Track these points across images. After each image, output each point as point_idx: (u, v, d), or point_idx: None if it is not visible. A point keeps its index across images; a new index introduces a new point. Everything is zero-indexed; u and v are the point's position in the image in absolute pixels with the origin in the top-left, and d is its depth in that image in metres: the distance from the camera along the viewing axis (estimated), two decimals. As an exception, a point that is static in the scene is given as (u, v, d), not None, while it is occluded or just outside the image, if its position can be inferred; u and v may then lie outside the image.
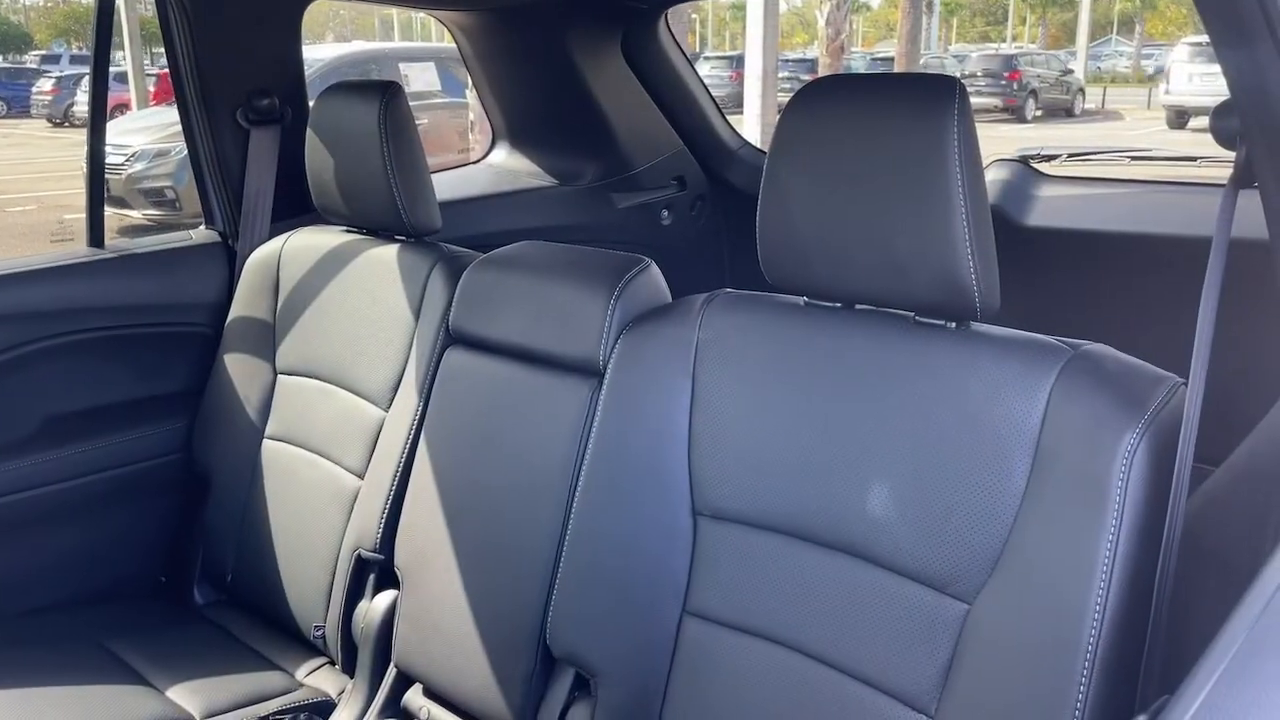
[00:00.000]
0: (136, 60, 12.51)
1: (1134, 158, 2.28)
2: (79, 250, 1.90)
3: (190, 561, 1.89)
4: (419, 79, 8.94)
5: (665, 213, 2.60)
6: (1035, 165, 2.30)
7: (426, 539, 1.49)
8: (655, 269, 1.43)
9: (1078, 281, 2.09)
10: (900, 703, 1.02)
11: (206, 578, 1.87)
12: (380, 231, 1.77)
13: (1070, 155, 2.31)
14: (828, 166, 1.09)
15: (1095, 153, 2.34)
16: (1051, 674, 0.92)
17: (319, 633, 1.65)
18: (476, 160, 2.68)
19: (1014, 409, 1.00)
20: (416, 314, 1.62)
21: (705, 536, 1.21)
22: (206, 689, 1.54)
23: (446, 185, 2.29)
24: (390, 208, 1.65)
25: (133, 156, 8.14)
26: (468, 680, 1.40)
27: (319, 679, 1.62)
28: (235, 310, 1.90)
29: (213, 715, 1.49)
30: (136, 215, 8.16)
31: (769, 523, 1.16)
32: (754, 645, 1.14)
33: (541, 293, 1.45)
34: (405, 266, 1.66)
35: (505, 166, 2.58)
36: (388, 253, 1.70)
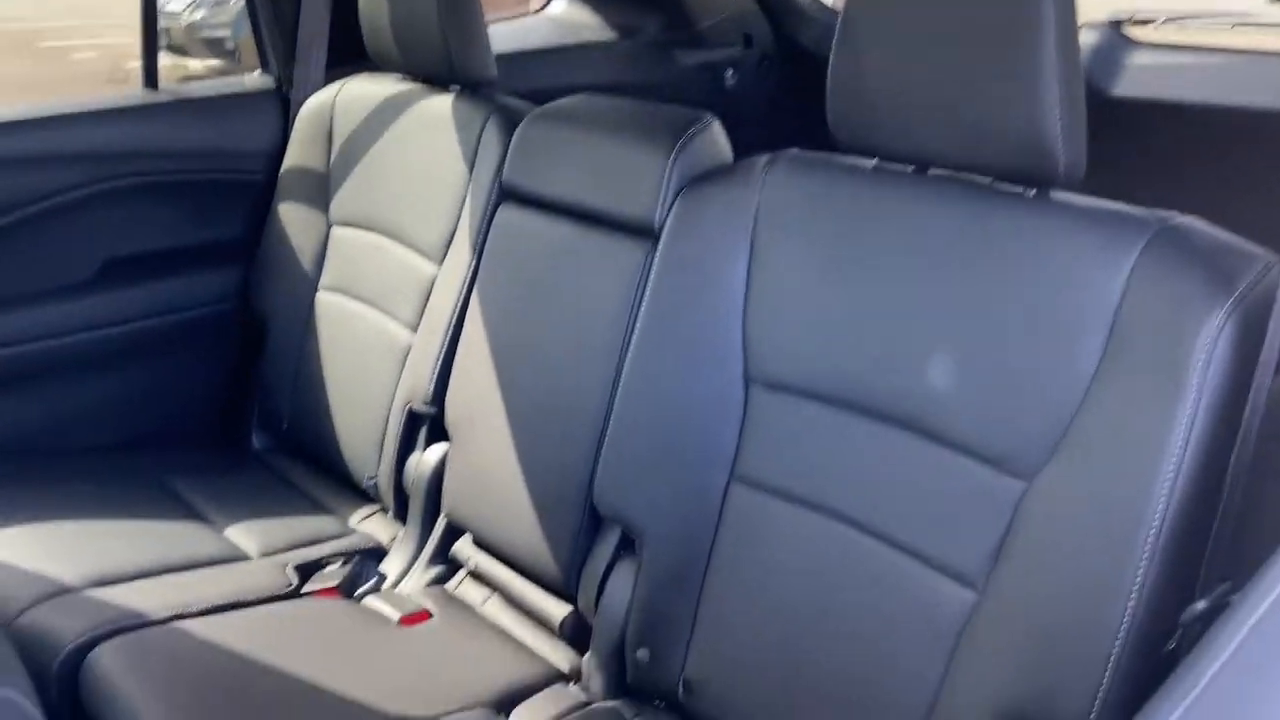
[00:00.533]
0: (194, -98, 12.20)
1: (1239, 24, 2.11)
2: (134, 92, 1.88)
3: (247, 408, 1.92)
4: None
5: (730, 73, 2.49)
6: (1127, 31, 2.15)
7: (476, 395, 1.49)
8: (718, 127, 1.37)
9: (1170, 156, 1.96)
10: (948, 577, 1.01)
11: (263, 425, 1.91)
12: (434, 80, 1.71)
13: (1167, 19, 2.15)
14: (908, 16, 1.02)
15: (1195, 17, 2.17)
16: (1109, 556, 0.89)
17: (371, 482, 1.68)
18: (535, 11, 2.58)
19: (1092, 282, 0.94)
20: (470, 167, 1.58)
21: (757, 405, 1.19)
22: (263, 529, 1.59)
23: (503, 37, 2.20)
24: (442, 53, 1.59)
25: (192, 4, 8.04)
26: (515, 534, 1.42)
27: (371, 526, 1.66)
28: (289, 159, 1.87)
29: (268, 554, 1.54)
30: (196, 65, 8.10)
31: (824, 393, 1.13)
32: (801, 514, 1.13)
33: (598, 148, 1.41)
34: (459, 118, 1.61)
35: (565, 19, 2.48)
36: (441, 103, 1.65)
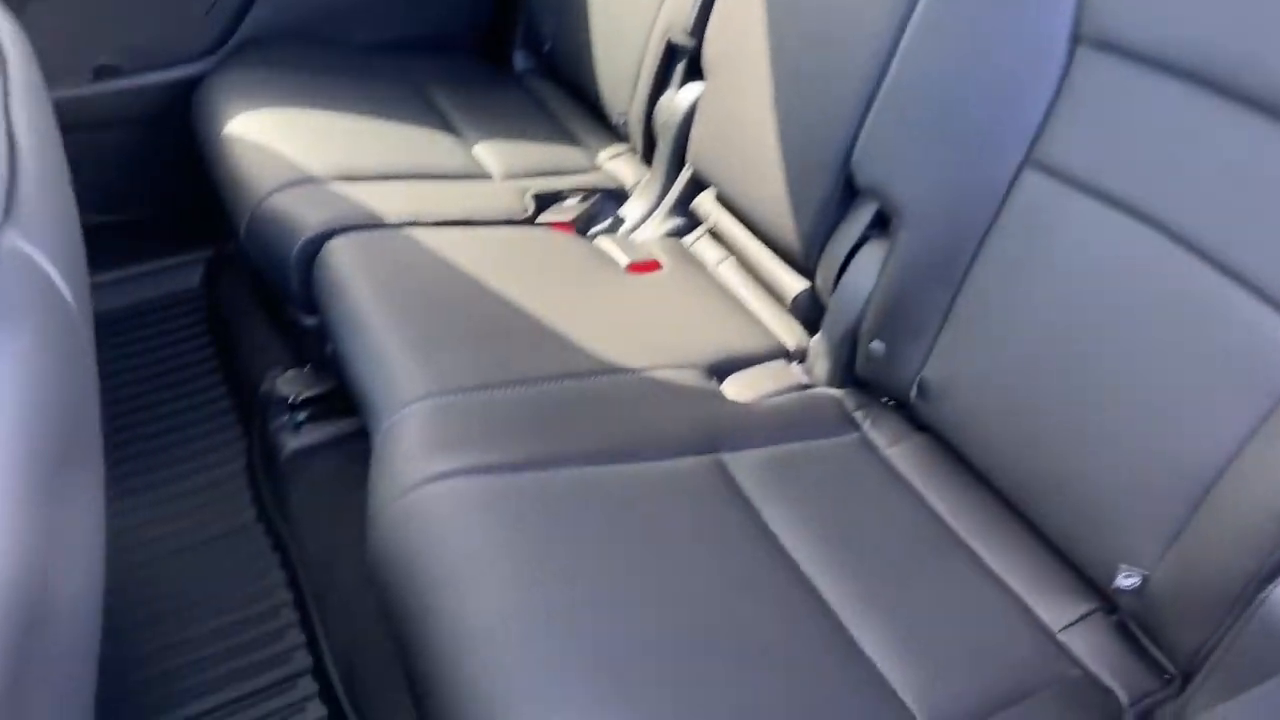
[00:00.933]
0: None
1: None
2: None
3: (512, 25, 1.83)
4: None
5: None
6: None
7: (738, 31, 1.29)
8: None
9: None
10: (1287, 320, 0.77)
11: (526, 44, 1.82)
12: None
13: None
14: None
15: None
16: None
17: (622, 119, 1.56)
18: None
19: None
20: None
21: (1081, 70, 0.93)
22: (510, 151, 1.53)
23: None
24: None
25: None
26: (759, 194, 1.27)
27: (617, 166, 1.57)
28: None
29: (510, 178, 1.49)
30: None
31: (1175, 62, 0.86)
32: (1109, 215, 0.90)
33: None
34: None
35: None
36: None
